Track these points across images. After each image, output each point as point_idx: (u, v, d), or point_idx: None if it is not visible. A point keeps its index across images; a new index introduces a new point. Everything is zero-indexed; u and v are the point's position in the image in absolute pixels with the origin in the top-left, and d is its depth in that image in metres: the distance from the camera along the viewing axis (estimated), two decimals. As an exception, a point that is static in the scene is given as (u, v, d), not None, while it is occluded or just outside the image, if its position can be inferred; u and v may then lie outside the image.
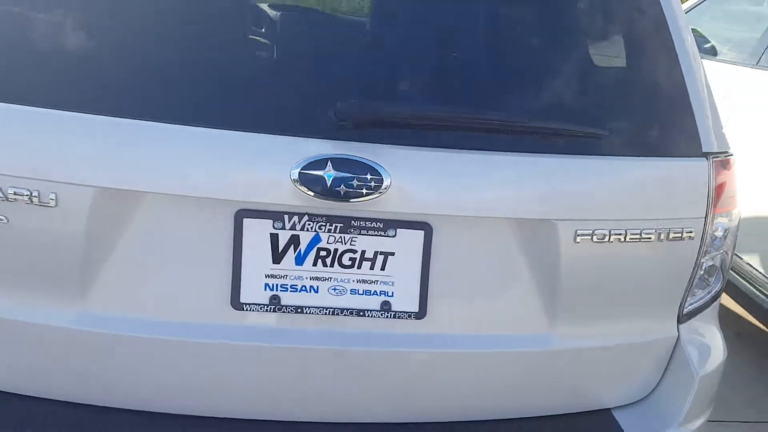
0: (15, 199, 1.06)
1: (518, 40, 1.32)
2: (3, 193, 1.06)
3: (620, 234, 1.18)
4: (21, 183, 1.05)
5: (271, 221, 1.11)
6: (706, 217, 1.25)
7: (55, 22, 1.11)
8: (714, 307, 1.42)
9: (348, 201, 1.07)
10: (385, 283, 1.15)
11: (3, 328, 1.14)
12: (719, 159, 1.27)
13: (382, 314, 1.16)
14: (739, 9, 3.57)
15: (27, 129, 1.06)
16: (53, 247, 1.09)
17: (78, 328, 1.12)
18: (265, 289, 1.13)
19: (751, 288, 2.48)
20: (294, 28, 1.40)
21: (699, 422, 1.37)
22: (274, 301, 1.14)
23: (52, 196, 1.06)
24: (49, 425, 1.15)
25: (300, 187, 1.06)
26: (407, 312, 1.17)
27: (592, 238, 1.17)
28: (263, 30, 1.36)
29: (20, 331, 1.13)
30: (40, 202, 1.06)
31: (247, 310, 1.14)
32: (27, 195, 1.06)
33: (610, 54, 1.36)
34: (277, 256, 1.12)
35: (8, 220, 1.07)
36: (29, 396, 1.18)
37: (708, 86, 1.32)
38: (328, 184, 1.05)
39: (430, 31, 1.24)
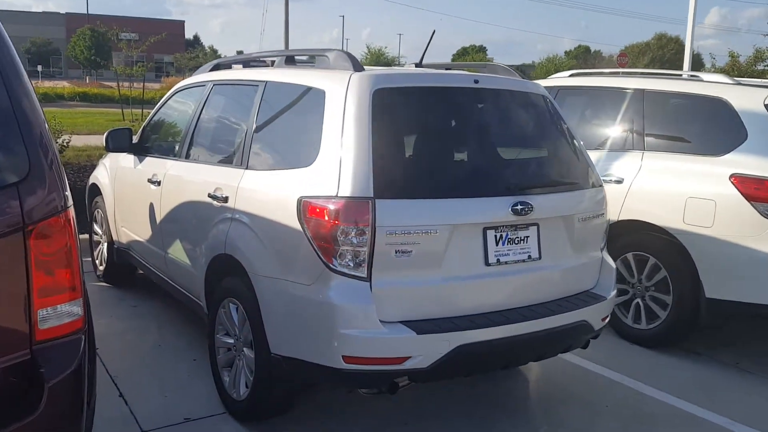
0: (422, 233, 2.77)
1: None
2: (419, 231, 2.75)
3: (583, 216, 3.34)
4: (422, 228, 2.76)
5: (494, 230, 2.97)
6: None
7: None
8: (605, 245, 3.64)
9: (521, 216, 3.00)
10: (528, 248, 3.09)
11: (407, 293, 2.79)
12: None
13: (528, 260, 3.09)
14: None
15: (417, 208, 2.80)
16: (432, 252, 2.80)
17: (441, 284, 2.84)
18: (494, 256, 2.98)
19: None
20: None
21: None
22: (498, 260, 2.99)
23: (435, 230, 2.79)
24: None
25: (510, 215, 2.96)
26: (535, 258, 3.11)
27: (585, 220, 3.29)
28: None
29: (413, 291, 2.80)
30: (430, 233, 2.78)
31: (490, 265, 2.97)
32: (426, 232, 2.77)
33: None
34: (497, 243, 2.98)
35: (420, 243, 2.76)
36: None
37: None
38: (519, 210, 2.98)
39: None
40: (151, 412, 3.34)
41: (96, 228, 5.56)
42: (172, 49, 56.15)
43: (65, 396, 1.84)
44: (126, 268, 5.22)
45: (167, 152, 4.40)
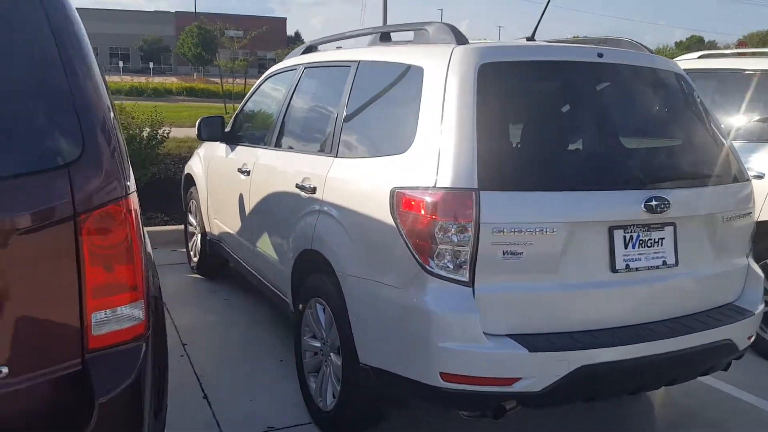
0: (535, 231, 2.35)
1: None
2: (532, 230, 2.34)
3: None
4: (535, 226, 2.34)
5: (623, 230, 2.50)
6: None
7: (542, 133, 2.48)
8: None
9: (656, 214, 2.51)
10: (663, 252, 2.59)
11: (516, 301, 2.38)
12: None
13: (662, 266, 2.59)
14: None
15: (533, 201, 2.38)
16: (547, 254, 2.38)
17: (557, 292, 2.41)
18: (623, 261, 2.51)
19: None
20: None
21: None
22: (627, 266, 2.51)
23: (551, 229, 2.36)
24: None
25: (642, 212, 2.47)
26: (671, 264, 2.61)
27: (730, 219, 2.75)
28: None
29: (524, 299, 2.39)
30: (545, 232, 2.36)
31: (618, 272, 2.50)
32: (540, 230, 2.35)
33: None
34: (626, 245, 2.51)
35: (533, 244, 2.35)
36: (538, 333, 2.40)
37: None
38: (654, 207, 2.49)
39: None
40: (234, 418, 3.13)
41: (190, 219, 5.49)
42: (274, 45, 57.66)
43: (120, 414, 1.59)
44: (219, 260, 5.09)
45: (258, 141, 4.19)
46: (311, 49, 4.18)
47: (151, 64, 54.02)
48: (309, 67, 3.81)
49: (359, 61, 3.21)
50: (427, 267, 2.35)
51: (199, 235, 5.23)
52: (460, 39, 2.68)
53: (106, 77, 2.21)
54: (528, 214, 2.36)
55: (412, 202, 2.41)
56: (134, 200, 1.70)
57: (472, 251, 2.30)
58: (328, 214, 2.95)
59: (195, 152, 5.50)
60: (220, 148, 4.70)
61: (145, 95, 30.08)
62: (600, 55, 2.75)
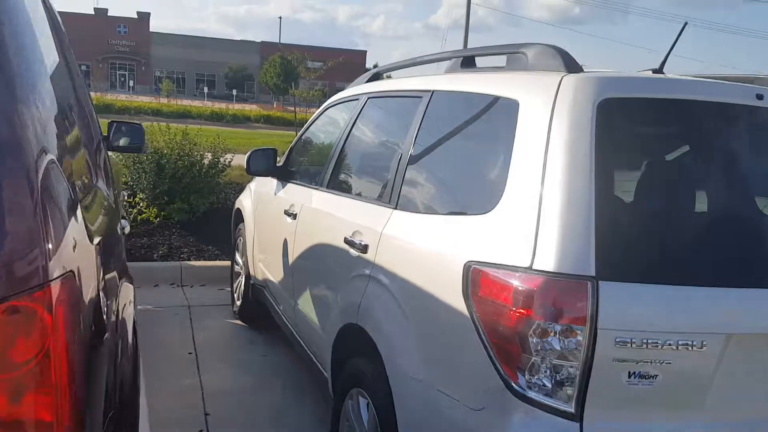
0: (677, 345, 1.59)
1: None
2: (673, 342, 1.59)
3: None
4: (677, 337, 1.59)
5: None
6: None
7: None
8: None
9: None
10: None
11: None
12: None
13: None
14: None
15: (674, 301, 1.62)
16: (692, 378, 1.61)
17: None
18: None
19: None
20: None
21: None
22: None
23: (699, 342, 1.60)
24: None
25: None
26: None
27: None
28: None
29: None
30: (691, 347, 1.60)
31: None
32: (684, 343, 1.59)
33: None
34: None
35: (672, 363, 1.59)
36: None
37: None
38: None
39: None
40: None
41: (237, 257, 4.95)
42: (353, 77, 58.17)
43: None
44: (262, 308, 4.50)
45: (309, 179, 3.60)
46: (378, 76, 3.58)
47: (234, 92, 55.57)
48: (373, 97, 3.19)
49: (433, 91, 2.56)
50: (514, 385, 1.62)
51: (244, 277, 4.67)
52: (572, 66, 1.98)
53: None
54: (668, 317, 1.61)
55: (496, 287, 1.70)
56: (71, 288, 1.08)
57: (583, 369, 1.57)
58: (380, 282, 2.28)
59: (247, 186, 4.99)
60: (270, 184, 4.15)
61: (224, 121, 30.65)
62: (760, 97, 1.98)
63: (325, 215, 3.04)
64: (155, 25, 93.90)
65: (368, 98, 3.20)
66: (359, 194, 2.91)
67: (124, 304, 1.96)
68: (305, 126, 4.18)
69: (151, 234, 6.38)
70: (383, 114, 3.13)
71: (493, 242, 1.79)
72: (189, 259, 5.94)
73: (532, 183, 1.76)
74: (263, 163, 4.02)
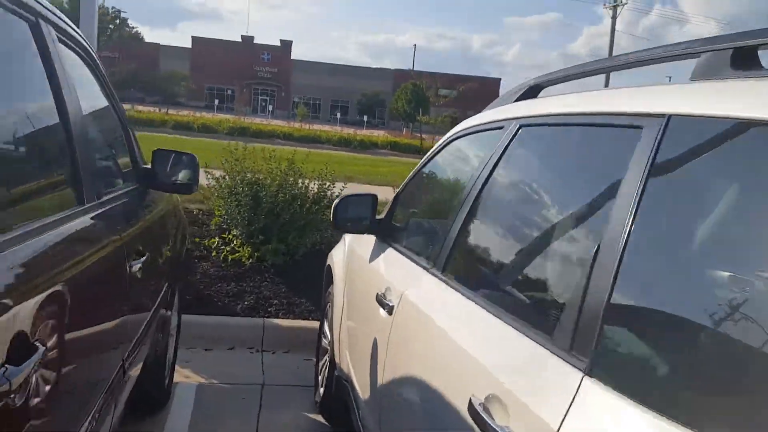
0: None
1: None
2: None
3: None
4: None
5: None
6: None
7: None
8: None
9: None
10: None
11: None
12: None
13: None
14: None
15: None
16: None
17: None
18: None
19: None
20: None
21: None
22: None
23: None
24: None
25: None
26: None
27: None
28: None
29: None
30: None
31: None
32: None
33: None
34: None
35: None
36: None
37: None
38: None
39: None
40: None
41: (326, 328, 3.77)
42: (485, 105, 56.89)
43: None
44: (346, 406, 3.30)
45: (417, 250, 2.35)
46: (534, 91, 2.25)
47: (365, 117, 56.05)
48: (529, 124, 1.89)
49: (668, 116, 1.22)
50: None
51: (329, 360, 3.49)
52: None
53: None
54: None
55: None
56: None
57: None
58: None
59: (343, 236, 3.82)
60: (367, 241, 2.96)
61: (352, 146, 30.48)
62: None
63: (441, 321, 1.76)
64: (297, 53, 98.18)
65: (521, 126, 1.90)
66: (508, 304, 1.58)
67: None
68: (420, 163, 2.94)
69: (240, 278, 5.40)
70: (554, 152, 1.81)
71: None
72: (277, 315, 4.87)
73: None
74: (357, 216, 2.82)
